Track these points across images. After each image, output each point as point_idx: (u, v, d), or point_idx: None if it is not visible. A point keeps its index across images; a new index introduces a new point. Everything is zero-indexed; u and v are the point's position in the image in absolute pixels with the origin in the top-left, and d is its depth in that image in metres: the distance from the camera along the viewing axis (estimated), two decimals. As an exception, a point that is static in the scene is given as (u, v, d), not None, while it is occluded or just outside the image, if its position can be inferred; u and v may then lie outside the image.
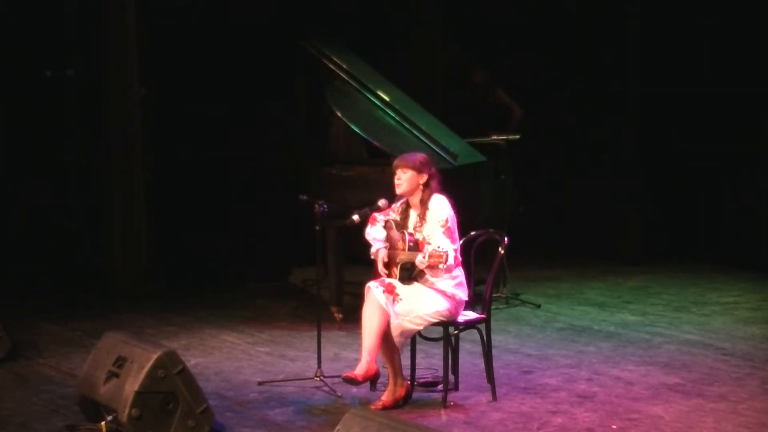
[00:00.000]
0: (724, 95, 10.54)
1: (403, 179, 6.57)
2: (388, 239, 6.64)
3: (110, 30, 9.79)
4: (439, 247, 6.27)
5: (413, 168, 6.56)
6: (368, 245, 6.71)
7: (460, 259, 6.46)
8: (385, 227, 6.68)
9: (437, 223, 6.46)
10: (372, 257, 6.67)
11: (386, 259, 6.60)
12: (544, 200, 11.22)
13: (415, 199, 6.60)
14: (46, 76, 9.87)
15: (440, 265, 6.25)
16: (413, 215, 6.63)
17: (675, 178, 10.97)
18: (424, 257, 6.27)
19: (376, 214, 6.75)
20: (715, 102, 10.64)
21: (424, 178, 6.57)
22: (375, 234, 6.68)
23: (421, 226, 6.55)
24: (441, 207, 6.51)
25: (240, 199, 10.20)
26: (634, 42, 10.82)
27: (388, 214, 6.73)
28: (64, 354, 7.82)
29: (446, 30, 11.27)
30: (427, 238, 6.47)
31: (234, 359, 7.68)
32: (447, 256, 6.20)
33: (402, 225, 6.63)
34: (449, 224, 6.46)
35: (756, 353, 7.57)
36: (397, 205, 6.72)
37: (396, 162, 6.64)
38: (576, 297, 9.52)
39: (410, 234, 6.53)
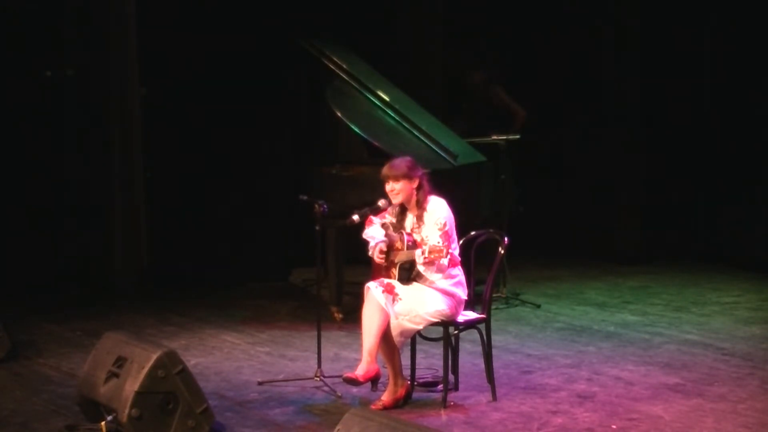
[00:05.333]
0: (725, 95, 10.54)
1: (398, 189, 6.55)
2: (387, 238, 6.63)
3: (110, 30, 9.79)
4: (438, 242, 6.28)
5: (405, 176, 6.54)
6: (366, 244, 6.70)
7: (459, 259, 6.47)
8: (381, 227, 6.69)
9: (435, 225, 6.46)
10: (370, 255, 6.66)
11: (384, 249, 6.58)
12: (544, 200, 11.21)
13: (411, 203, 6.60)
14: (46, 76, 9.85)
15: (441, 261, 6.25)
16: (410, 217, 6.64)
17: (675, 177, 10.96)
18: (423, 252, 6.27)
19: (372, 217, 6.76)
20: (715, 101, 10.64)
21: (416, 181, 6.57)
22: (373, 233, 6.68)
23: (419, 227, 6.55)
24: (439, 209, 6.51)
25: (240, 199, 10.20)
26: (634, 39, 10.81)
27: (384, 217, 6.73)
28: (64, 354, 7.82)
29: (445, 29, 11.28)
30: (425, 239, 6.47)
31: (234, 359, 7.68)
32: (447, 250, 6.21)
33: (398, 227, 6.63)
34: (447, 227, 6.46)
35: (756, 353, 7.57)
36: (392, 207, 6.72)
37: (385, 172, 6.59)
38: (576, 297, 9.52)
39: (408, 234, 6.53)
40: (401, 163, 6.62)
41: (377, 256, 6.59)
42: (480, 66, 10.49)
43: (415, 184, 6.57)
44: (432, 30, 11.16)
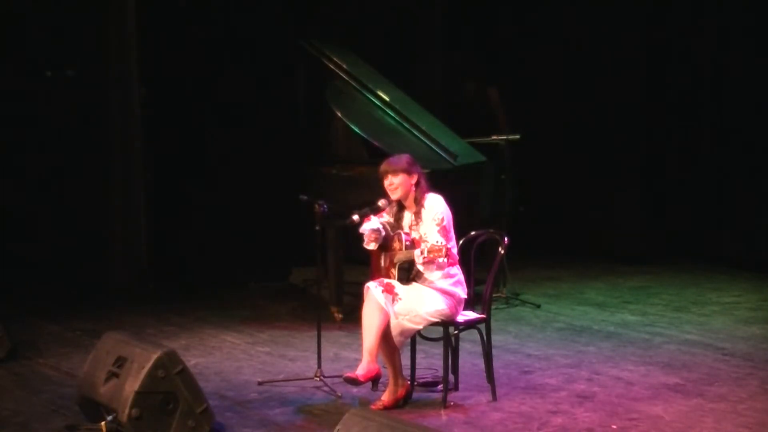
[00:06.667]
0: (726, 93, 10.54)
1: (397, 183, 6.56)
2: (384, 231, 6.62)
3: (110, 30, 9.79)
4: (437, 242, 6.28)
5: (404, 171, 6.56)
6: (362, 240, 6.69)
7: (457, 256, 6.47)
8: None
9: (432, 221, 6.47)
10: (364, 245, 6.62)
11: (376, 231, 6.54)
12: (545, 200, 11.21)
13: (409, 200, 6.60)
14: (46, 76, 9.86)
15: (440, 259, 6.25)
16: (407, 216, 6.64)
17: (675, 177, 10.96)
18: (422, 252, 6.27)
19: (371, 215, 6.75)
20: (715, 100, 10.64)
21: (415, 177, 6.58)
22: (367, 225, 6.64)
23: (417, 224, 6.56)
24: (436, 205, 6.52)
25: (240, 199, 10.20)
26: (639, 41, 10.81)
27: (382, 217, 6.72)
28: (64, 354, 7.82)
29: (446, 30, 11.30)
30: (423, 236, 6.47)
31: (234, 359, 7.68)
32: (446, 249, 6.21)
33: (396, 226, 6.63)
34: (444, 222, 6.47)
35: (756, 353, 7.57)
36: (389, 208, 6.72)
37: (384, 168, 6.61)
38: (576, 297, 9.52)
39: (406, 234, 6.53)
40: (400, 158, 6.67)
41: (370, 237, 6.53)
42: (473, 76, 10.51)
43: (414, 180, 6.57)
44: (433, 31, 11.20)
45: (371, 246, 6.61)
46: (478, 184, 9.02)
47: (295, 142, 10.31)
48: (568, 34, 11.25)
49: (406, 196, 6.60)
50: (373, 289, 6.41)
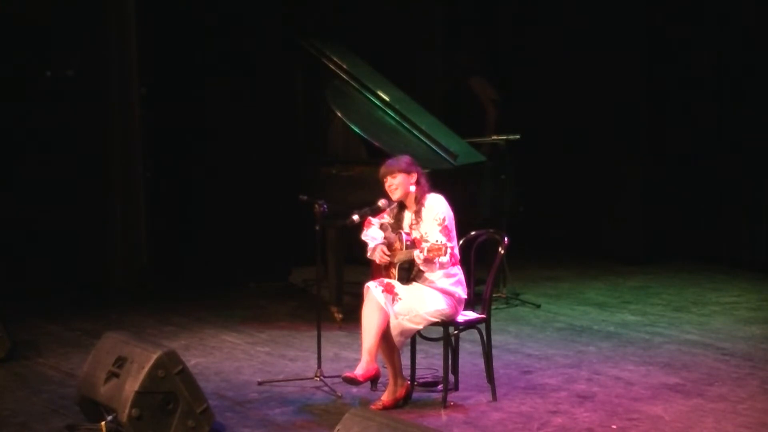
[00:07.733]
0: (725, 94, 10.54)
1: (396, 183, 6.58)
2: (386, 239, 6.64)
3: (110, 30, 9.79)
4: (437, 241, 6.28)
5: (402, 171, 6.58)
6: (365, 247, 6.71)
7: (458, 256, 6.47)
8: (380, 229, 6.69)
9: (434, 221, 6.48)
10: (369, 257, 6.67)
11: (387, 252, 6.58)
12: (545, 200, 11.21)
13: (410, 199, 6.62)
14: (46, 76, 9.86)
15: (440, 258, 6.25)
16: (407, 216, 6.65)
17: (675, 177, 10.96)
18: (422, 252, 6.28)
19: (370, 218, 6.76)
20: (716, 100, 10.64)
21: (414, 177, 6.60)
22: (373, 234, 6.68)
23: (417, 224, 6.57)
24: (438, 205, 6.53)
25: (240, 198, 10.20)
26: (639, 41, 10.80)
27: (383, 217, 6.73)
28: (64, 354, 7.82)
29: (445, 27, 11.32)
30: (424, 236, 6.48)
31: (234, 359, 7.68)
32: (446, 248, 6.22)
33: (397, 227, 6.63)
34: (446, 222, 6.47)
35: (756, 353, 7.57)
36: (390, 209, 6.73)
37: (382, 171, 6.64)
38: (576, 297, 9.52)
39: (407, 233, 6.54)
40: (398, 159, 6.70)
41: (381, 257, 6.59)
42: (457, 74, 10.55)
43: (413, 179, 6.59)
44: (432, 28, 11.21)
45: (377, 255, 6.63)
46: (478, 184, 9.02)
47: (295, 142, 10.31)
48: (567, 33, 11.24)
49: (406, 195, 6.61)
50: (373, 289, 6.41)
